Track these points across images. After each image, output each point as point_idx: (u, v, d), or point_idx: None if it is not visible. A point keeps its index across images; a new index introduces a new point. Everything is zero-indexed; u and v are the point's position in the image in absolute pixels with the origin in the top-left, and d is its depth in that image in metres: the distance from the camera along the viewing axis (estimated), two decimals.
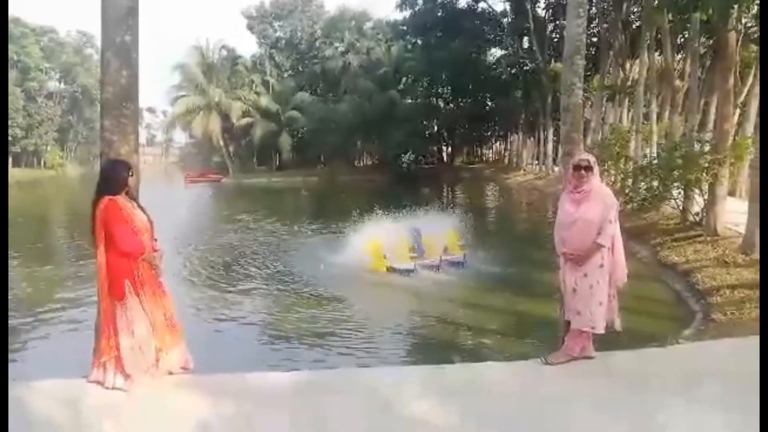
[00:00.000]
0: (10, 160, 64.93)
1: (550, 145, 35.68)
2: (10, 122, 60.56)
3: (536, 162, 41.55)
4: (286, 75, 56.62)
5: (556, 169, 32.64)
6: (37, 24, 67.74)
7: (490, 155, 63.52)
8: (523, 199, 30.87)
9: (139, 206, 4.12)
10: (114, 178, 3.94)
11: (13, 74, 63.07)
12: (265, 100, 51.51)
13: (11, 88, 60.34)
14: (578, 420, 3.55)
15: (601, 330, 4.23)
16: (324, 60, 53.52)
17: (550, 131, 35.62)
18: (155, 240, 4.13)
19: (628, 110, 23.96)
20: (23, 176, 57.34)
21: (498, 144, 61.33)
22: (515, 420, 3.53)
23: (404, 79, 50.66)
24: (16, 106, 61.95)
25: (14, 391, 3.62)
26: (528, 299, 8.92)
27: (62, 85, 72.98)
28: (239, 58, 55.36)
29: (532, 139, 45.26)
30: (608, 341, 4.52)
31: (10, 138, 61.61)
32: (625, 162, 17.70)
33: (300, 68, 57.83)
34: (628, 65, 23.55)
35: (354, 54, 52.06)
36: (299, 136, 51.52)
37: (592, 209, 4.17)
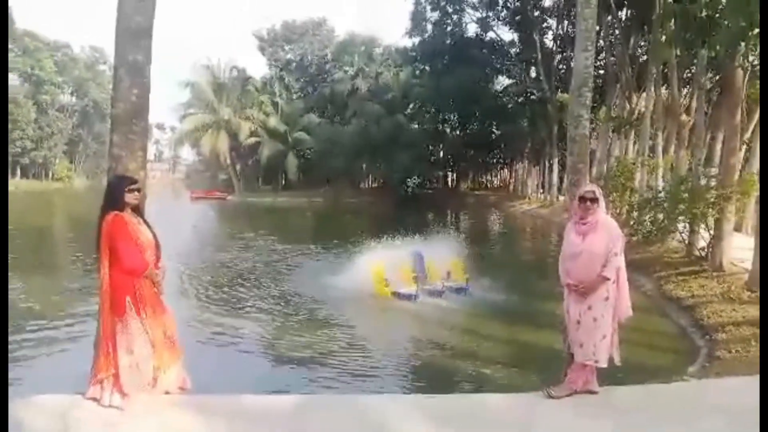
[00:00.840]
0: (18, 171, 65.61)
1: (555, 174, 35.74)
2: (20, 134, 61.34)
3: (541, 190, 41.59)
4: (295, 97, 57.25)
5: (561, 198, 32.65)
6: (51, 39, 69.15)
7: (496, 182, 63.68)
8: (527, 227, 30.79)
9: (145, 222, 4.11)
10: (119, 193, 3.94)
11: (26, 87, 64.08)
12: (273, 121, 52.04)
13: (23, 100, 61.26)
14: None
15: (604, 364, 4.17)
16: (333, 83, 54.24)
17: (556, 160, 35.75)
18: (158, 257, 4.11)
19: (634, 143, 24.03)
20: (29, 187, 57.66)
21: (503, 171, 61.52)
22: None
23: (411, 105, 50.99)
24: (28, 118, 62.77)
25: (10, 405, 3.57)
26: (531, 329, 8.82)
27: (74, 99, 74.08)
28: (249, 79, 56.08)
29: (537, 167, 45.39)
30: (612, 375, 4.44)
31: (19, 150, 62.35)
32: (630, 194, 17.68)
33: (309, 90, 58.58)
34: (634, 98, 23.69)
35: (363, 78, 52.66)
36: (306, 157, 51.90)
37: (598, 241, 4.15)
